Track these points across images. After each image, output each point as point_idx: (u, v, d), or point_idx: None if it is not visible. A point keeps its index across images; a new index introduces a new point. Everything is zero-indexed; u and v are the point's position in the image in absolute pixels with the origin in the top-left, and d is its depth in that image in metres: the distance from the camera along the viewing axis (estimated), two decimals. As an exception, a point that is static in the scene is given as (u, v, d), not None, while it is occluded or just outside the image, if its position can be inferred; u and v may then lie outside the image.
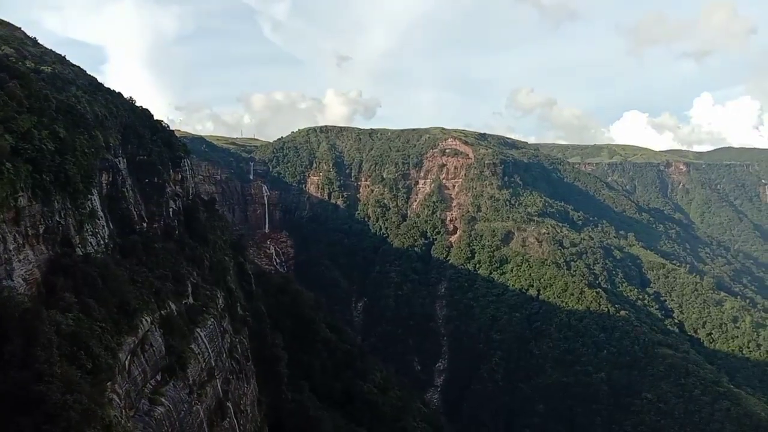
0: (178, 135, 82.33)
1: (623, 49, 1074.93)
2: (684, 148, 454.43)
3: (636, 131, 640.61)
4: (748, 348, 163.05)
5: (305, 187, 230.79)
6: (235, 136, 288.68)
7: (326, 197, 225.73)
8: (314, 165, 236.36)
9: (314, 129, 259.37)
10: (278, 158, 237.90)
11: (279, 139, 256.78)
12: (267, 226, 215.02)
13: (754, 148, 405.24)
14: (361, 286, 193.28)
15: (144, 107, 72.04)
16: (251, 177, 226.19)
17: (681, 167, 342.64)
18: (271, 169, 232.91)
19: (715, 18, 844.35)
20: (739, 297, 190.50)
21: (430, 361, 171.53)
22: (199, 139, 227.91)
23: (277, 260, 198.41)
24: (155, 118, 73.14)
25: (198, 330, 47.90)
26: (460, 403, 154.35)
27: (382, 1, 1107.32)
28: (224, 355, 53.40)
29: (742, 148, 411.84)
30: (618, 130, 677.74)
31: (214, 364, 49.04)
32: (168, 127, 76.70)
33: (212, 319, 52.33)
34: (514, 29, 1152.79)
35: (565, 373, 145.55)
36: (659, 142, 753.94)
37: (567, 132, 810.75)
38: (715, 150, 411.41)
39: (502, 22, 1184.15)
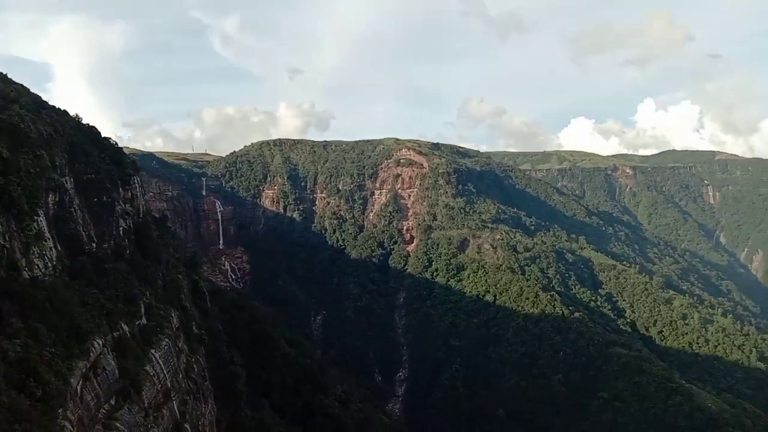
0: (127, 152, 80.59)
1: (569, 58, 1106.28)
2: (630, 152, 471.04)
3: (583, 137, 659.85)
4: (698, 344, 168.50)
5: (260, 201, 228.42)
6: (186, 152, 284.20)
7: (282, 211, 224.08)
8: (268, 179, 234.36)
9: (268, 142, 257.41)
10: (231, 173, 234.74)
11: (232, 153, 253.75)
12: (221, 242, 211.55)
13: (697, 151, 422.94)
14: (319, 299, 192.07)
15: (91, 125, 70.37)
16: (204, 193, 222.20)
17: (627, 171, 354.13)
18: (224, 184, 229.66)
19: (654, 27, 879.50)
20: (687, 295, 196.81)
21: (391, 371, 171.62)
22: (149, 156, 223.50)
23: (233, 276, 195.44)
24: (103, 135, 71.53)
25: (152, 351, 46.96)
26: (422, 412, 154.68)
27: (332, 14, 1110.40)
28: (180, 376, 52.46)
29: (685, 150, 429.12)
30: (566, 137, 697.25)
31: (170, 386, 48.11)
32: (116, 144, 74.96)
33: (167, 339, 51.35)
34: (463, 40, 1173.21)
35: (524, 376, 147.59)
36: (606, 147, 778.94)
37: (517, 140, 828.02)
38: (659, 153, 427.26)
39: (451, 34, 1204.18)
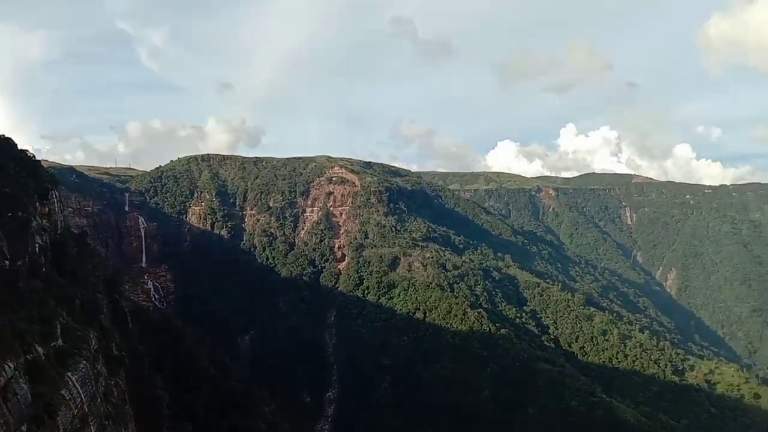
0: (45, 165, 76.77)
1: (495, 83, 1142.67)
2: (553, 174, 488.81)
3: (509, 159, 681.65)
4: (617, 359, 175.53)
5: (186, 217, 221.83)
6: (108, 166, 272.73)
7: (209, 228, 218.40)
8: (196, 195, 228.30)
9: (195, 157, 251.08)
10: (156, 188, 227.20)
11: (157, 168, 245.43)
12: (144, 259, 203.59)
13: (615, 174, 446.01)
14: (248, 319, 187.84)
15: (7, 137, 66.79)
16: (127, 208, 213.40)
17: (551, 192, 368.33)
18: (148, 200, 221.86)
19: (576, 55, 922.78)
20: (606, 311, 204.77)
21: (320, 391, 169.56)
22: (69, 170, 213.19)
23: (156, 296, 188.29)
24: (20, 147, 68.03)
25: (69, 374, 44.41)
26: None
27: (264, 30, 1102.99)
28: (99, 400, 49.82)
29: (604, 173, 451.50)
30: (493, 159, 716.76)
31: (87, 410, 45.59)
32: (34, 157, 71.37)
33: (84, 362, 48.73)
34: (394, 62, 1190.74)
35: (453, 393, 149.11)
36: (530, 169, 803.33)
37: (447, 160, 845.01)
38: (580, 176, 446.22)
39: (383, 55, 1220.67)
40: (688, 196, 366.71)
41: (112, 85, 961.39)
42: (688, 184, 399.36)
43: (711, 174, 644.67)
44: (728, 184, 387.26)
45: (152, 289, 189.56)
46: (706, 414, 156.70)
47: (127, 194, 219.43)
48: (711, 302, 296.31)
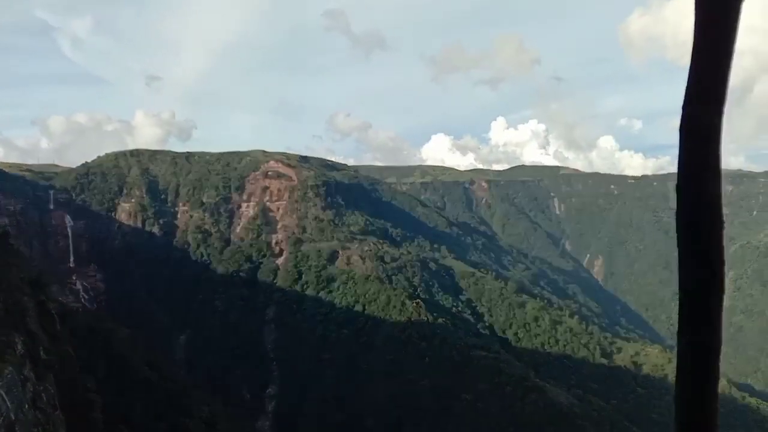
0: (-42, 162, 72.35)
1: (428, 77, 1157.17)
2: (485, 167, 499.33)
3: (443, 152, 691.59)
4: (549, 344, 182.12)
5: (115, 215, 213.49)
6: (30, 162, 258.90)
7: (140, 225, 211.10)
8: (125, 191, 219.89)
9: (124, 153, 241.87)
10: (83, 185, 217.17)
11: (83, 164, 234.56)
12: (72, 259, 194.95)
13: (544, 166, 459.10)
14: (183, 318, 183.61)
15: None
16: (52, 207, 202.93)
17: (483, 184, 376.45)
18: (74, 197, 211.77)
19: (505, 50, 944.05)
20: (538, 298, 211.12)
21: (260, 387, 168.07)
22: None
23: (86, 297, 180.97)
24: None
25: (-7, 381, 42.60)
26: (293, 427, 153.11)
27: (193, 20, 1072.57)
28: (26, 406, 47.92)
29: (534, 165, 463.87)
30: (428, 152, 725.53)
31: (14, 418, 43.84)
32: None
33: (10, 368, 46.76)
34: (328, 55, 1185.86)
35: (392, 383, 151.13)
36: (463, 161, 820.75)
37: (383, 154, 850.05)
38: (511, 168, 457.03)
39: (317, 48, 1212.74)
40: (612, 187, 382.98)
41: (32, 78, 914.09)
42: (612, 175, 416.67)
43: (633, 165, 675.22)
44: (650, 174, 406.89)
45: (81, 290, 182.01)
46: (634, 394, 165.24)
47: (51, 192, 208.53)
48: (636, 287, 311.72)
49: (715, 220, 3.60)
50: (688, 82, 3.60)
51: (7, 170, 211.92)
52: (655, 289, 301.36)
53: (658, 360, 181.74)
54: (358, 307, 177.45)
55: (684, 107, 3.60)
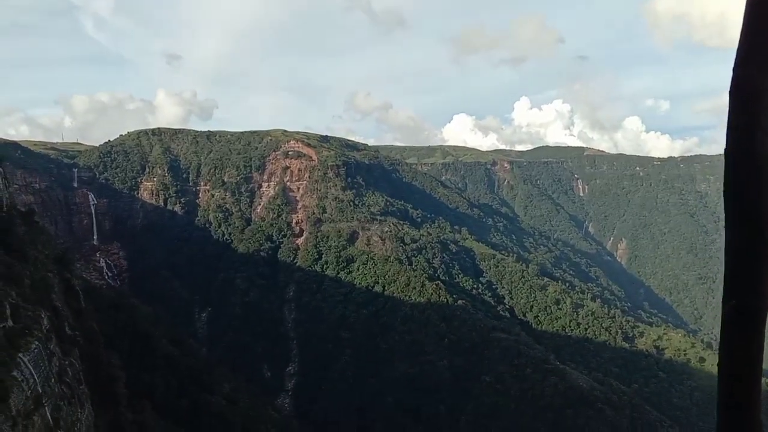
0: (-16, 139, 72.96)
1: (449, 57, 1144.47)
2: (507, 147, 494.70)
3: (465, 133, 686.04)
4: (570, 327, 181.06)
5: (138, 194, 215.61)
6: (55, 141, 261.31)
7: (162, 204, 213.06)
8: (147, 170, 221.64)
9: (146, 132, 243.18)
10: (106, 164, 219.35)
11: (106, 143, 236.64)
12: (96, 237, 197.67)
13: (568, 147, 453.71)
14: (204, 296, 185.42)
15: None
16: (75, 185, 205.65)
17: (505, 165, 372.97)
18: (98, 176, 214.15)
19: (527, 29, 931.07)
20: (560, 281, 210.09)
21: (280, 366, 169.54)
22: (13, 145, 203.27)
23: (109, 274, 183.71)
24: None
25: (20, 355, 42.98)
26: (312, 405, 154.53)
27: (215, 0, 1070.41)
28: (53, 380, 48.47)
29: (557, 146, 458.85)
30: (449, 132, 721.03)
31: (41, 391, 44.31)
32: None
33: (37, 342, 47.21)
34: (348, 34, 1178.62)
35: (411, 364, 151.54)
36: (485, 142, 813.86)
37: (403, 134, 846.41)
38: (534, 149, 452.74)
39: (337, 27, 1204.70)
40: (637, 168, 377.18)
41: (56, 58, 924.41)
42: (638, 156, 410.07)
43: (659, 146, 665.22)
44: (676, 156, 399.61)
45: (105, 267, 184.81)
46: (655, 378, 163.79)
47: (75, 170, 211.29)
48: (659, 271, 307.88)
49: (764, 183, 3.70)
50: (739, 45, 3.72)
51: (32, 149, 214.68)
52: (679, 273, 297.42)
53: (681, 345, 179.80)
54: (378, 288, 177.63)
55: (734, 69, 3.73)
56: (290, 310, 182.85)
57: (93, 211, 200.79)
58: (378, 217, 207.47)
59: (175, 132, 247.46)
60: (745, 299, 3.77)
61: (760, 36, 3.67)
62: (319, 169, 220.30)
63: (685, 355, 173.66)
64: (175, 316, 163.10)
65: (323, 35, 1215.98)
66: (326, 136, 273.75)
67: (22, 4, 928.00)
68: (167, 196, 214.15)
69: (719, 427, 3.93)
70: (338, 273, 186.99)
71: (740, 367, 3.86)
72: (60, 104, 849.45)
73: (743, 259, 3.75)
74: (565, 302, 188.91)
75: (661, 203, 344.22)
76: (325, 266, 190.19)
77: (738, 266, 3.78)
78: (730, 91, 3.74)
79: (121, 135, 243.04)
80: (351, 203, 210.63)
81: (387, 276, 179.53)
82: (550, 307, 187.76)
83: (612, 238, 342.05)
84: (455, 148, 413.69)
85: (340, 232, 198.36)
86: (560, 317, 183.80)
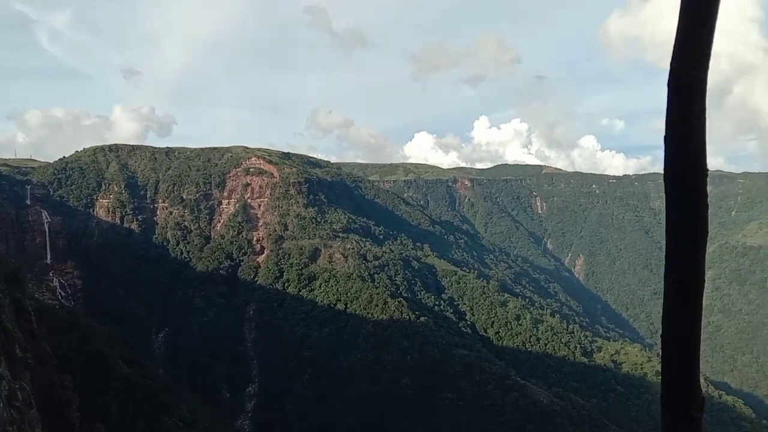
0: (-70, 154, 70.35)
1: (409, 75, 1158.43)
2: (468, 165, 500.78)
3: (426, 150, 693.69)
4: (530, 342, 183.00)
5: (93, 211, 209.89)
6: (7, 157, 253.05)
7: (118, 221, 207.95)
8: (103, 187, 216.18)
9: (102, 148, 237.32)
10: (60, 180, 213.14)
11: (61, 159, 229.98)
12: (49, 256, 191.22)
13: (526, 165, 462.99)
14: (162, 316, 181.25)
15: None
16: (28, 202, 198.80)
17: (466, 183, 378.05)
18: (52, 193, 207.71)
19: (486, 48, 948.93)
20: (520, 297, 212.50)
21: (240, 387, 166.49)
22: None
23: (63, 293, 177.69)
24: None
25: (-34, 379, 41.27)
26: (273, 426, 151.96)
27: (173, 15, 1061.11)
28: (1, 405, 46.58)
29: (516, 164, 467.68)
30: (411, 150, 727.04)
31: (-12, 417, 42.53)
32: None
33: (-16, 365, 45.41)
34: (310, 52, 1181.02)
35: (374, 382, 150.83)
36: (446, 159, 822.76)
37: (365, 151, 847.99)
38: (494, 167, 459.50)
39: (299, 45, 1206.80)
40: (594, 186, 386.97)
41: (9, 71, 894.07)
42: (594, 174, 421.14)
43: (615, 164, 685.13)
44: (631, 174, 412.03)
45: (58, 287, 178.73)
46: (614, 392, 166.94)
47: (28, 187, 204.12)
48: (616, 286, 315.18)
49: (698, 168, 4.03)
50: (675, 40, 4.03)
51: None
52: (635, 288, 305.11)
53: (638, 359, 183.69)
54: (340, 306, 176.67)
55: (671, 63, 4.05)
56: (250, 329, 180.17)
57: (47, 229, 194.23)
58: (340, 234, 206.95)
59: (133, 148, 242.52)
60: (685, 273, 4.11)
61: (692, 32, 3.95)
62: (280, 186, 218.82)
63: (641, 369, 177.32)
64: (131, 337, 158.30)
65: (285, 52, 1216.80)
66: (288, 153, 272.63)
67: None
68: (124, 213, 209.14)
69: (663, 393, 4.29)
70: (300, 291, 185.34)
71: (682, 334, 4.17)
72: (13, 119, 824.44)
73: (682, 237, 4.12)
74: (525, 318, 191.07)
75: (617, 220, 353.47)
76: (286, 284, 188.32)
77: (678, 244, 4.15)
78: (667, 83, 4.03)
79: (77, 151, 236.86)
80: (313, 220, 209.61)
81: (349, 293, 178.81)
82: (511, 322, 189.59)
83: (570, 255, 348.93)
84: (417, 165, 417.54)
85: (301, 249, 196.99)
86: (520, 333, 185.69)
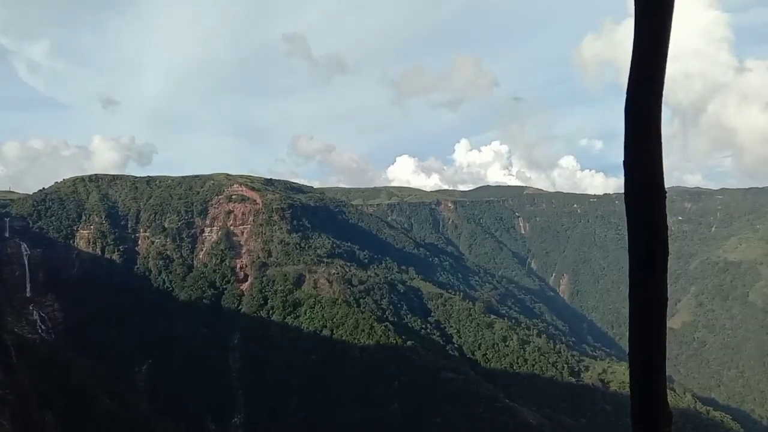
0: None
1: (389, 99, 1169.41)
2: (450, 187, 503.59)
3: (408, 174, 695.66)
4: (518, 363, 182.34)
5: (74, 242, 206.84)
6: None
7: (99, 252, 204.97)
8: (83, 218, 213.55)
9: (82, 178, 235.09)
10: (40, 212, 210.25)
11: (40, 190, 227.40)
12: (29, 289, 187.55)
13: (508, 186, 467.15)
14: (144, 347, 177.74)
15: None
16: (7, 235, 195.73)
17: (449, 205, 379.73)
18: (31, 225, 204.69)
19: (463, 72, 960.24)
20: (506, 318, 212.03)
21: (225, 417, 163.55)
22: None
23: (43, 327, 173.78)
24: None
25: (-56, 418, 40.15)
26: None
27: (152, 44, 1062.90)
28: (-20, 444, 45.33)
29: (498, 186, 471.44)
30: (393, 173, 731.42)
31: (-34, 456, 41.32)
32: None
33: (-38, 403, 44.24)
34: (289, 78, 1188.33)
35: (362, 408, 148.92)
36: (429, 182, 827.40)
37: (347, 176, 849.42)
38: (476, 189, 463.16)
39: (278, 72, 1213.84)
40: (575, 206, 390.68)
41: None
42: (575, 194, 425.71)
43: (595, 184, 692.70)
44: (611, 192, 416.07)
45: (38, 320, 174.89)
46: (602, 412, 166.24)
47: (7, 219, 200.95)
48: (601, 305, 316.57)
49: (657, 190, 4.19)
50: (630, 69, 4.27)
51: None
52: (619, 307, 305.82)
53: (625, 377, 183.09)
54: (326, 332, 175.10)
55: (627, 92, 4.28)
56: (235, 358, 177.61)
57: (26, 262, 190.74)
58: (325, 260, 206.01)
59: (113, 178, 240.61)
60: (648, 294, 4.28)
61: (644, 61, 4.20)
62: (263, 213, 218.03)
63: (629, 387, 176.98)
64: (114, 369, 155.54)
65: (265, 79, 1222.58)
66: (270, 179, 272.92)
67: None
68: (105, 244, 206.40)
69: (632, 409, 4.64)
70: (285, 318, 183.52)
71: (648, 353, 4.42)
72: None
73: (644, 258, 4.26)
74: (512, 339, 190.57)
75: (599, 239, 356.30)
76: (271, 312, 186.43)
77: (639, 265, 4.29)
78: (624, 110, 4.25)
79: (56, 182, 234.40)
80: (297, 246, 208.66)
81: (335, 319, 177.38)
82: (498, 344, 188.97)
83: (554, 274, 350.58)
84: (400, 188, 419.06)
85: (286, 275, 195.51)
86: (508, 354, 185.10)
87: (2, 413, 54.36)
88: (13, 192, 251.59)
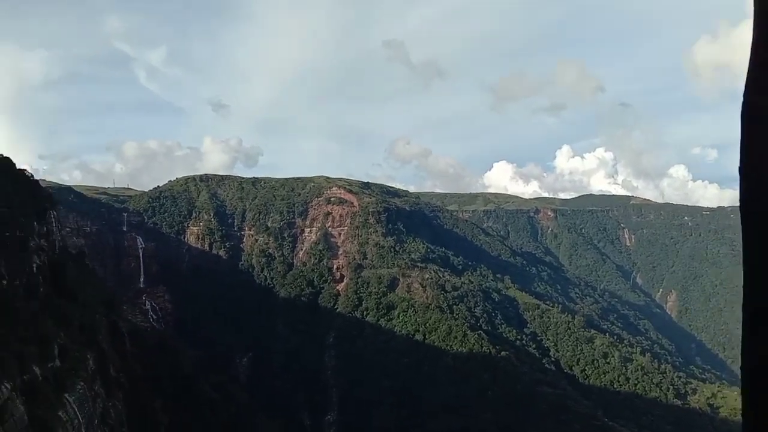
0: (43, 185, 76.07)
1: (487, 104, 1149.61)
2: (550, 195, 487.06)
3: (506, 180, 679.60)
4: (618, 382, 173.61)
5: (184, 238, 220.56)
6: (106, 186, 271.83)
7: (207, 248, 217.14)
8: (194, 215, 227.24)
9: (193, 178, 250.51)
10: (154, 208, 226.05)
11: (155, 188, 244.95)
12: (142, 280, 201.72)
13: (613, 195, 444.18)
14: (246, 341, 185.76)
15: (5, 156, 66.09)
16: (125, 228, 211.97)
17: (549, 213, 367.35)
18: (146, 220, 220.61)
19: (566, 77, 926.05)
20: (607, 334, 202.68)
21: (320, 414, 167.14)
22: (67, 189, 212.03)
23: (155, 317, 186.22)
24: (18, 167, 67.25)
25: (66, 395, 43.41)
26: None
27: (260, 50, 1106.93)
28: (96, 422, 48.67)
29: (602, 195, 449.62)
30: (490, 179, 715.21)
31: (84, 433, 44.45)
32: (32, 176, 70.69)
33: (82, 383, 47.71)
34: (389, 84, 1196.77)
35: (455, 416, 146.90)
36: (527, 189, 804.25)
37: (443, 181, 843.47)
38: (578, 197, 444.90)
39: (379, 77, 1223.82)
40: (686, 218, 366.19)
41: (109, 106, 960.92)
42: (686, 206, 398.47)
43: (708, 196, 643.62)
44: (726, 206, 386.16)
45: (150, 310, 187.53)
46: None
47: (125, 214, 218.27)
48: (711, 324, 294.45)
49: None
50: (748, 72, 4.10)
51: (84, 193, 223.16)
52: (732, 328, 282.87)
53: (737, 404, 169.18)
54: (419, 336, 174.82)
55: (745, 95, 4.10)
56: (330, 357, 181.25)
57: (141, 255, 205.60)
58: (418, 264, 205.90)
59: (222, 178, 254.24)
60: (765, 303, 4.03)
61: (764, 66, 4.02)
62: (360, 215, 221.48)
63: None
64: (217, 361, 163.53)
65: (365, 84, 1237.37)
66: (367, 182, 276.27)
67: (79, 54, 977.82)
68: (212, 240, 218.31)
69: (744, 424, 4.21)
70: (378, 320, 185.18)
71: (764, 363, 4.09)
72: (111, 150, 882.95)
73: (760, 267, 3.98)
74: (613, 356, 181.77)
75: (712, 254, 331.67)
76: (365, 313, 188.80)
77: (756, 274, 4.03)
78: (741, 115, 4.07)
79: (170, 181, 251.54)
80: (392, 249, 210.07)
81: (428, 324, 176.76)
82: (598, 360, 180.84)
83: (661, 290, 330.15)
84: (496, 195, 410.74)
85: (380, 278, 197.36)
86: (608, 371, 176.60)
87: (116, 395, 58.29)
88: (131, 189, 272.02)
